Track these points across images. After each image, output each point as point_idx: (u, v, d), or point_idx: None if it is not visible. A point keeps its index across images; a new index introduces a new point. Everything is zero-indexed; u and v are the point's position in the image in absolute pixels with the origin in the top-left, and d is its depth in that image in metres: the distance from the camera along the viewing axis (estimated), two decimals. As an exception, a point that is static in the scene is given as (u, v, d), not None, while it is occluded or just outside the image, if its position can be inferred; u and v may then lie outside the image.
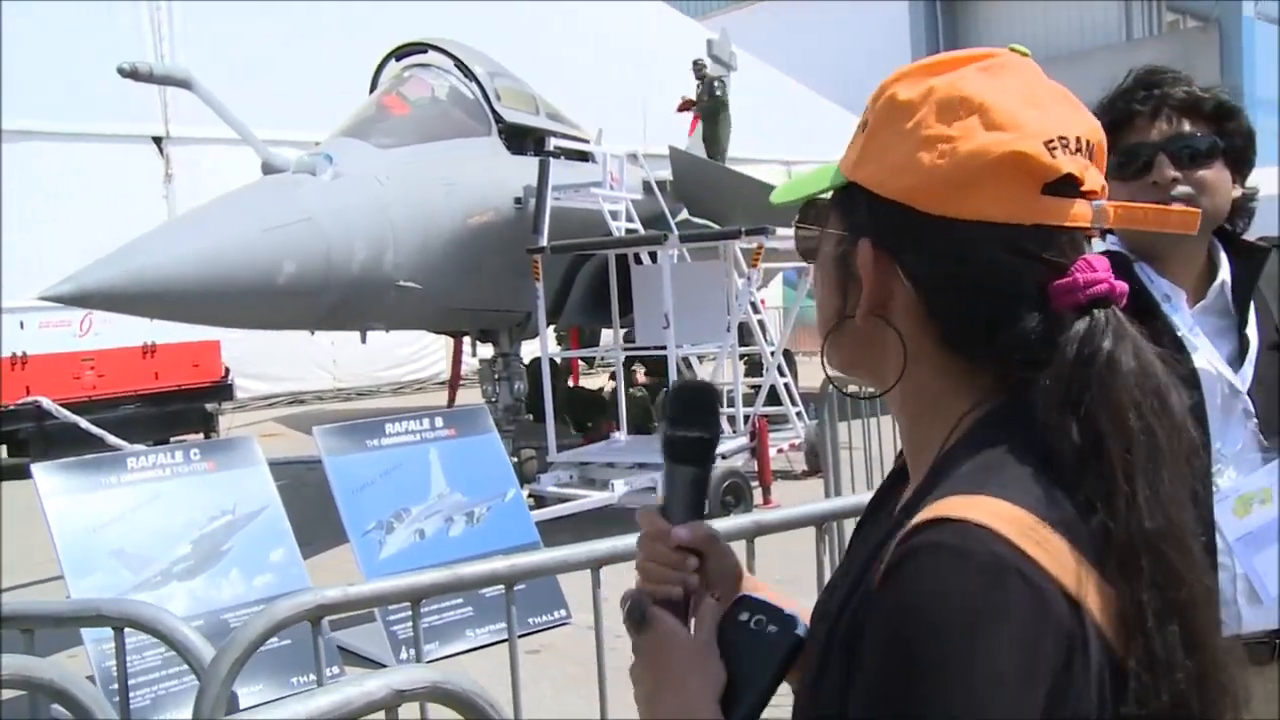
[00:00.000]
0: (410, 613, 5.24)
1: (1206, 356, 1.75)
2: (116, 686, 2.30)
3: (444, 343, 14.61)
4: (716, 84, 13.34)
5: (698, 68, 13.43)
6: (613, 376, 9.72)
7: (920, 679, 0.71)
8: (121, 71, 6.23)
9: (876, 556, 0.80)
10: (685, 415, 1.04)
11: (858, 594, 0.82)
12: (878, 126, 0.90)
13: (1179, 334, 1.75)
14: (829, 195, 0.95)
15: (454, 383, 11.38)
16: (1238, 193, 1.82)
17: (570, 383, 11.36)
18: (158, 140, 14.39)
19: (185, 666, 4.46)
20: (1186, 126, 1.77)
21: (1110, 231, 1.85)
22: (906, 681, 0.72)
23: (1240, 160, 1.81)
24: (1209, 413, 1.73)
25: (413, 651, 4.75)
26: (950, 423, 0.87)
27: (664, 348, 7.94)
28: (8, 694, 1.74)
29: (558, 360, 9.47)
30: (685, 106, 13.54)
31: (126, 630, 2.17)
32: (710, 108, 13.40)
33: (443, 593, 2.04)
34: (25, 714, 4.10)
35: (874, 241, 0.88)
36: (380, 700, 1.50)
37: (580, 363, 12.29)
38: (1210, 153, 1.76)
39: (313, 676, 4.46)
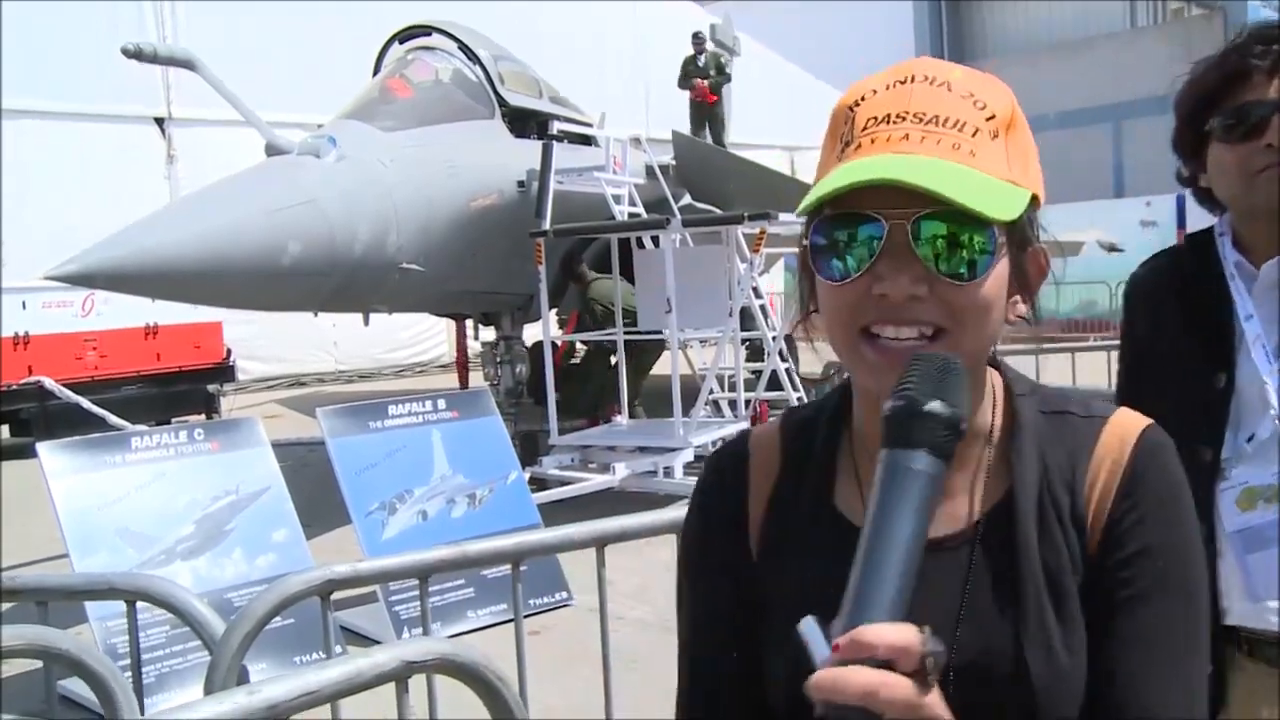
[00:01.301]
0: (413, 592, 5.29)
1: (1251, 337, 1.65)
2: (124, 663, 2.33)
3: (445, 325, 14.64)
4: (724, 58, 13.35)
5: (697, 41, 13.27)
6: (600, 357, 9.72)
7: (1190, 522, 0.98)
8: (126, 52, 6.25)
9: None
10: (926, 384, 0.81)
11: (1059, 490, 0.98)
12: (1022, 140, 0.96)
13: (1235, 309, 1.67)
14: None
15: (462, 363, 11.31)
16: None
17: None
18: (160, 121, 14.38)
19: (187, 645, 4.54)
20: None
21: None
22: (1189, 524, 0.98)
23: None
24: (1241, 398, 1.66)
25: (413, 632, 4.80)
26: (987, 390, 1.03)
27: (661, 332, 7.96)
28: (21, 666, 1.76)
29: (558, 343, 9.47)
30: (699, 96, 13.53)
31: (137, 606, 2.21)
32: (718, 83, 13.26)
33: (451, 570, 2.07)
34: (35, 691, 4.15)
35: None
36: (391, 671, 1.53)
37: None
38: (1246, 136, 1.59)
39: (315, 655, 4.51)
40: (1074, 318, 20.18)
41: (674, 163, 11.23)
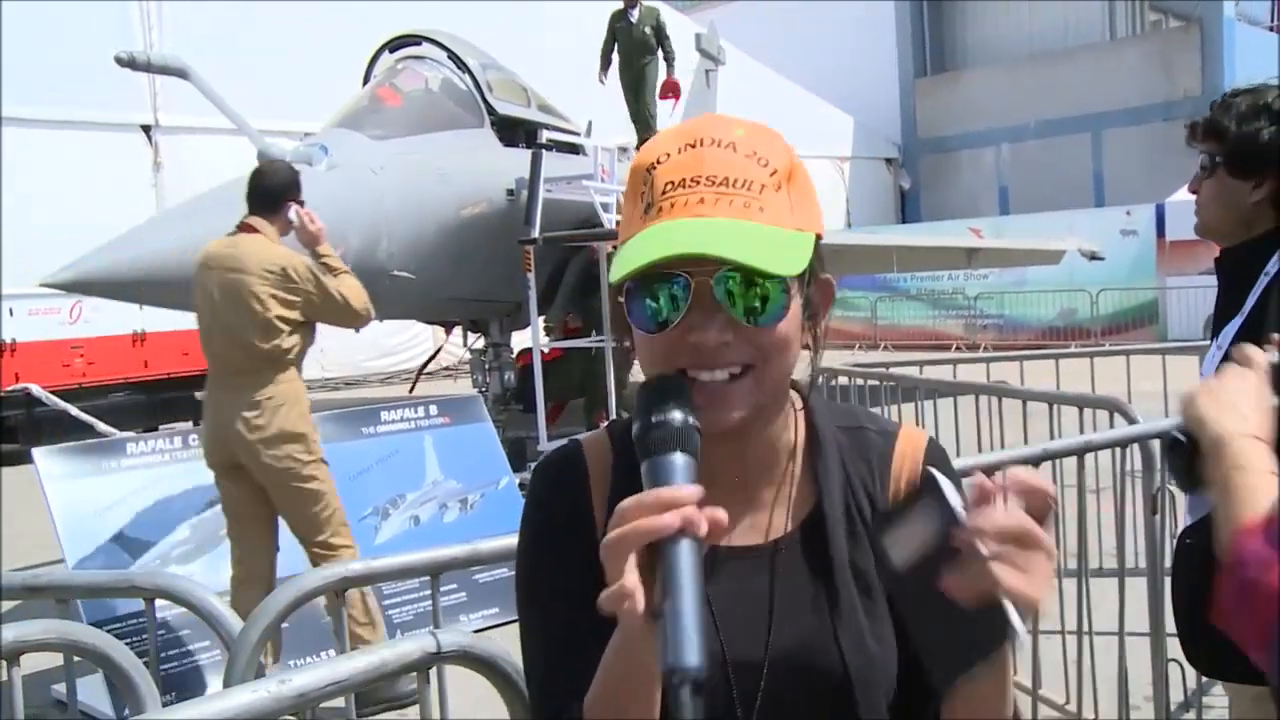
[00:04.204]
0: (407, 596, 5.33)
1: None
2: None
3: (432, 333, 14.67)
4: (662, 18, 11.59)
5: (615, 18, 11.50)
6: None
7: None
8: (119, 60, 6.27)
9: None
10: (665, 400, 0.94)
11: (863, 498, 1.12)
12: (801, 186, 1.07)
13: None
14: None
15: (421, 372, 11.20)
16: (1259, 196, 1.94)
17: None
18: (146, 129, 14.38)
19: (191, 646, 4.58)
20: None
21: None
22: None
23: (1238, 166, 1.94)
24: None
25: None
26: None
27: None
28: (27, 667, 1.80)
29: (546, 350, 9.54)
30: (667, 92, 12.15)
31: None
32: (669, 56, 11.50)
33: (462, 567, 2.13)
34: (38, 695, 4.18)
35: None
36: (415, 662, 1.60)
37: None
38: (1206, 169, 1.92)
39: (307, 660, 4.54)
40: (1055, 325, 20.39)
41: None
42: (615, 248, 1.07)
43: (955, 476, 1.03)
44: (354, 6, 13.99)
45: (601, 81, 11.61)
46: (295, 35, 14.57)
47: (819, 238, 1.08)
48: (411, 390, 6.30)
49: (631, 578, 0.83)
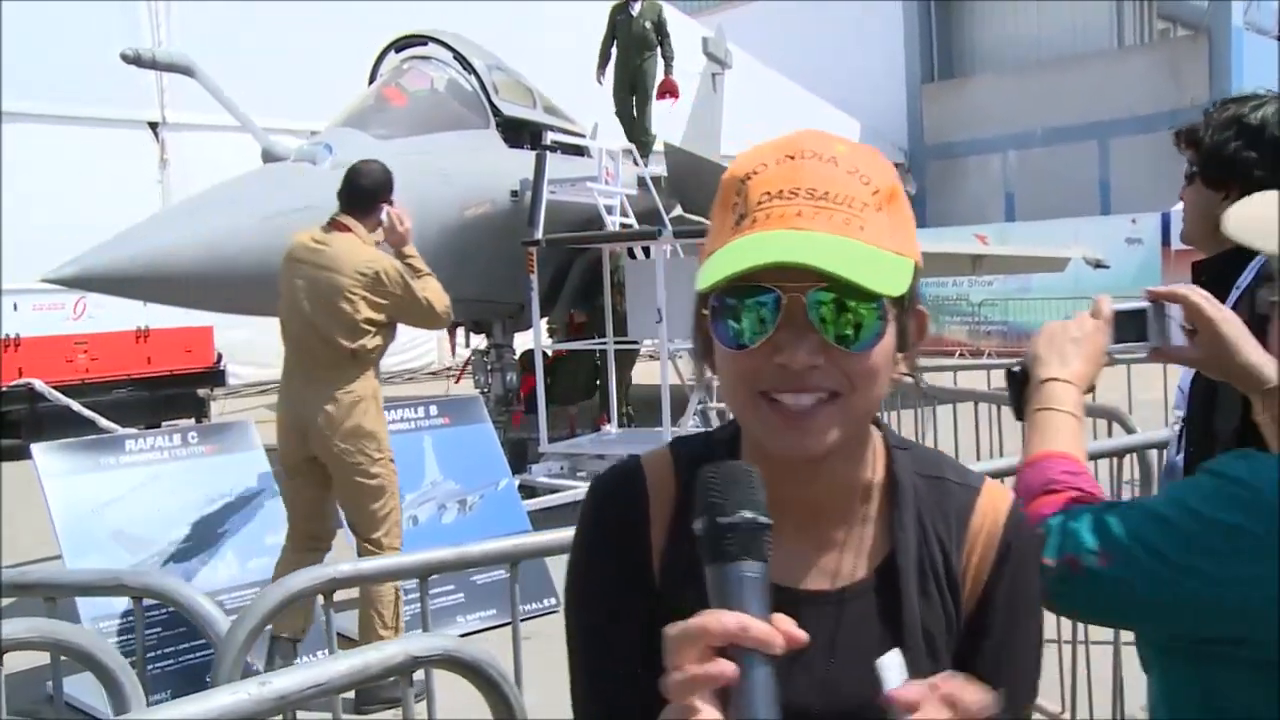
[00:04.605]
0: (408, 595, 5.32)
1: None
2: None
3: (434, 335, 14.66)
4: (663, 11, 11.26)
5: (615, 10, 11.16)
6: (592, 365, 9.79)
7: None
8: (125, 58, 6.28)
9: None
10: (730, 496, 0.86)
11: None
12: (902, 211, 1.02)
13: None
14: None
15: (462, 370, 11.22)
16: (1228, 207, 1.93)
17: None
18: (153, 125, 14.41)
19: (179, 646, 4.57)
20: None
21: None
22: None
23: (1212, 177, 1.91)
24: None
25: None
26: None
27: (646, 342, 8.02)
28: (16, 665, 1.81)
29: (549, 352, 9.54)
30: (664, 92, 11.91)
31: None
32: (669, 55, 11.22)
33: (451, 569, 2.13)
34: (28, 691, 4.18)
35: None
36: (397, 665, 1.59)
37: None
38: (1188, 178, 1.89)
39: (313, 657, 4.54)
40: (1060, 333, 20.32)
41: (666, 174, 11.30)
42: (700, 260, 1.04)
43: (1033, 547, 1.09)
44: (358, 6, 14.01)
45: (599, 81, 11.42)
46: (302, 34, 14.59)
47: (918, 266, 1.02)
48: (458, 380, 6.34)
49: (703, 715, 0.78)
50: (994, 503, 1.08)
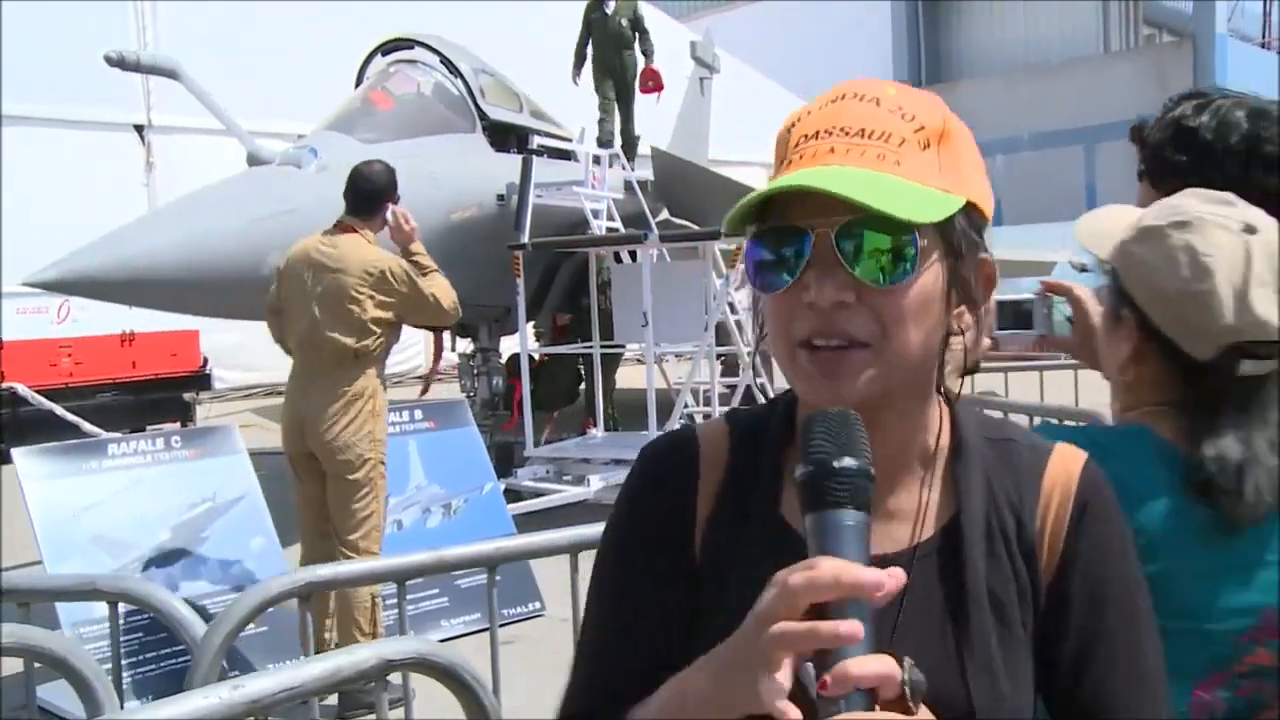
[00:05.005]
0: (390, 599, 5.31)
1: None
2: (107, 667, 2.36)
3: (421, 336, 14.62)
4: (639, 9, 11.04)
5: (590, 9, 10.87)
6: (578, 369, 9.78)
7: (1133, 552, 1.05)
8: (109, 60, 6.25)
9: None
10: (836, 443, 0.83)
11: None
12: (959, 151, 0.98)
13: None
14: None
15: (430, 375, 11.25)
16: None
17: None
18: (139, 128, 14.34)
19: (160, 652, 4.55)
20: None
21: None
22: (1133, 555, 1.05)
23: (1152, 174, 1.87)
24: None
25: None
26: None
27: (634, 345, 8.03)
28: (9, 667, 1.80)
29: (535, 356, 9.53)
30: (647, 82, 11.52)
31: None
32: (648, 49, 10.99)
33: (428, 573, 2.13)
34: (8, 696, 4.15)
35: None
36: (370, 669, 1.59)
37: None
38: (1139, 176, 1.85)
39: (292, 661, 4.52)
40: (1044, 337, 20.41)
41: (652, 178, 11.32)
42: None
43: (1115, 506, 1.02)
44: (348, 9, 13.98)
45: (575, 81, 11.25)
46: (288, 37, 14.53)
47: (980, 210, 0.99)
48: (423, 393, 6.35)
49: (783, 687, 0.75)
50: (1065, 463, 1.02)
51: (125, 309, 9.43)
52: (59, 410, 9.12)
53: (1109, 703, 0.98)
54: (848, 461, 0.81)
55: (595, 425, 8.85)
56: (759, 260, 0.95)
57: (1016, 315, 1.62)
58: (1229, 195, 1.43)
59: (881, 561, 0.92)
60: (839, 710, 0.74)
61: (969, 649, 0.93)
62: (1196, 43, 25.53)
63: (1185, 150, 1.74)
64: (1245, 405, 1.34)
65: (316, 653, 4.27)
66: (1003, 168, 28.38)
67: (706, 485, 1.04)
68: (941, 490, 1.01)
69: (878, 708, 0.76)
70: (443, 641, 5.25)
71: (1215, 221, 1.37)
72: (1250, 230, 1.36)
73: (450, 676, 1.66)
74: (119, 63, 6.31)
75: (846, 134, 0.93)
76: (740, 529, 1.01)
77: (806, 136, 0.95)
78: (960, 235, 0.96)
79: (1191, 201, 1.42)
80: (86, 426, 8.76)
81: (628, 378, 11.13)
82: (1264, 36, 29.80)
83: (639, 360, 9.48)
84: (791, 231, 0.92)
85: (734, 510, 1.02)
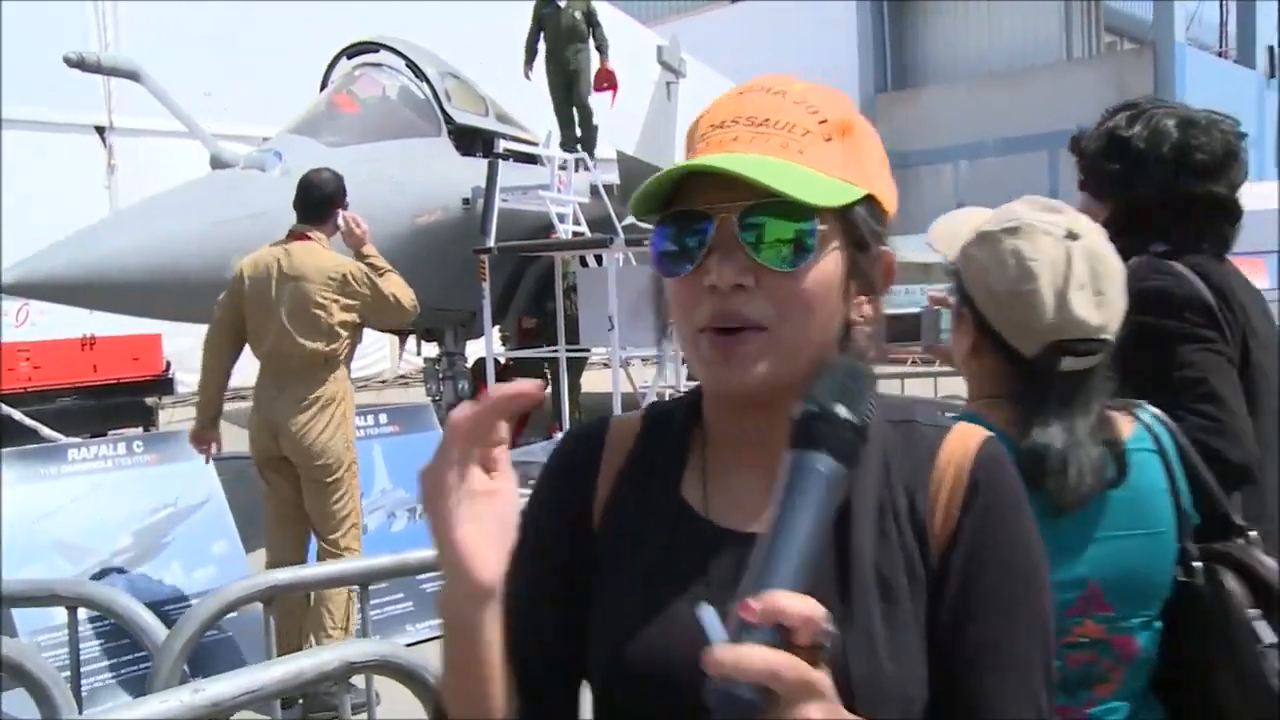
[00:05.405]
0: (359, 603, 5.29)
1: None
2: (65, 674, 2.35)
3: (388, 340, 14.57)
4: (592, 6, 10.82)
5: (541, 4, 10.67)
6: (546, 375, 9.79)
7: (1032, 533, 1.01)
8: (68, 61, 6.18)
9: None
10: (835, 390, 0.83)
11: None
12: (862, 146, 1.00)
13: None
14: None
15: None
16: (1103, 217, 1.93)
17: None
18: (100, 130, 14.18)
19: (121, 659, 4.51)
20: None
21: None
22: (1031, 537, 1.00)
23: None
24: None
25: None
26: None
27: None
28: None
29: (501, 360, 9.52)
30: (602, 82, 11.28)
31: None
32: (602, 44, 10.82)
33: (390, 577, 2.14)
34: None
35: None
36: (332, 671, 1.60)
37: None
38: (1079, 185, 1.93)
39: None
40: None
41: (619, 182, 11.34)
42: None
43: (1010, 484, 0.98)
44: (313, 11, 13.90)
45: (527, 76, 11.08)
46: (252, 39, 14.43)
47: (882, 205, 1.01)
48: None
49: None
50: (963, 440, 1.00)
51: (86, 312, 9.34)
52: (17, 415, 8.99)
53: (974, 689, 0.94)
54: (840, 409, 0.82)
55: (561, 429, 8.85)
56: (663, 246, 0.97)
57: (908, 327, 1.75)
58: (1058, 203, 1.54)
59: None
60: (746, 641, 0.72)
61: (850, 627, 0.91)
62: (1157, 50, 25.93)
63: (1119, 159, 1.79)
64: (1069, 398, 1.46)
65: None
66: (967, 173, 28.68)
67: (608, 470, 1.07)
68: None
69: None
70: (409, 646, 5.27)
71: (1042, 228, 1.48)
72: (1073, 236, 1.48)
73: (413, 679, 1.67)
74: (79, 64, 6.24)
75: (752, 123, 0.96)
76: (638, 509, 1.04)
77: (713, 126, 0.97)
78: (862, 226, 0.99)
79: (1024, 208, 1.54)
80: (46, 431, 8.65)
81: (594, 381, 11.14)
82: (1221, 45, 30.33)
83: (605, 364, 9.50)
84: (695, 216, 0.94)
85: (632, 492, 1.05)
